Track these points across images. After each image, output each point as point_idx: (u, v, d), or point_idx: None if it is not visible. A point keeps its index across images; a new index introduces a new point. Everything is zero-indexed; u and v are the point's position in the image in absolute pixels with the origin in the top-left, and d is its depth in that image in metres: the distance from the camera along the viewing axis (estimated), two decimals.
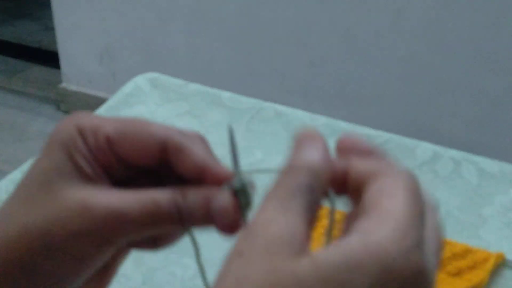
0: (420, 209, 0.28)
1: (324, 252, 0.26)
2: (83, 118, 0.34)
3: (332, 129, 0.76)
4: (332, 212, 0.30)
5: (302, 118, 0.78)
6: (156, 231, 0.33)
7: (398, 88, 1.80)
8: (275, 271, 0.26)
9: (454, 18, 1.66)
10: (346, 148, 0.31)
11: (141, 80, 0.84)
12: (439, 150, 0.74)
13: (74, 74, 2.30)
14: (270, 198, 0.28)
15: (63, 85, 2.33)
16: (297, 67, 1.91)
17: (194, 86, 0.83)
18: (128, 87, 0.83)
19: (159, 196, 0.33)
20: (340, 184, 0.31)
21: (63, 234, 0.32)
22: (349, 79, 1.85)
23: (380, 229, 0.27)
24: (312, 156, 0.30)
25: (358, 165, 0.30)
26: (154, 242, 0.36)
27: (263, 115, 0.79)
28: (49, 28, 2.55)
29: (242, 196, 0.33)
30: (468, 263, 0.58)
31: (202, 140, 0.35)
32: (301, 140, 0.31)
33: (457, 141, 1.75)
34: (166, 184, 0.34)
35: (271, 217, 0.27)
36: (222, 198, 0.33)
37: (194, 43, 2.02)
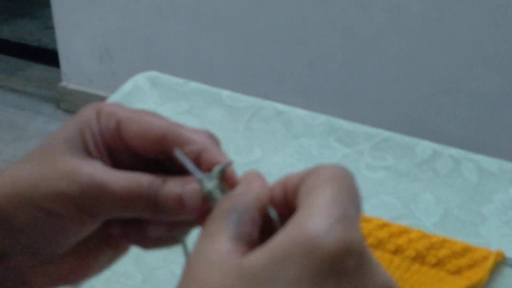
0: (346, 190, 0.28)
1: (249, 255, 0.27)
2: (105, 105, 0.37)
3: (332, 127, 0.76)
4: (277, 225, 0.31)
5: (302, 116, 0.78)
6: (136, 214, 0.34)
7: (397, 86, 1.80)
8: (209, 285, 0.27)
9: (453, 18, 1.66)
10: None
11: (141, 79, 0.84)
12: (439, 148, 0.74)
13: (74, 73, 2.30)
14: (207, 223, 0.30)
15: (63, 84, 2.33)
16: (296, 65, 1.91)
17: (194, 85, 0.83)
18: (128, 86, 0.83)
19: (143, 178, 0.34)
20: (282, 203, 0.32)
21: (47, 192, 0.34)
22: (348, 78, 1.85)
23: (302, 218, 0.27)
24: (248, 186, 0.32)
25: (291, 178, 0.32)
26: (144, 238, 0.36)
27: (263, 113, 0.79)
28: (49, 27, 2.55)
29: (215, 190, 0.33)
30: (467, 261, 0.58)
31: (209, 136, 0.36)
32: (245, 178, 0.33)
33: (456, 139, 1.75)
34: None
35: (208, 234, 0.29)
36: (194, 184, 0.34)
37: (194, 42, 2.02)
